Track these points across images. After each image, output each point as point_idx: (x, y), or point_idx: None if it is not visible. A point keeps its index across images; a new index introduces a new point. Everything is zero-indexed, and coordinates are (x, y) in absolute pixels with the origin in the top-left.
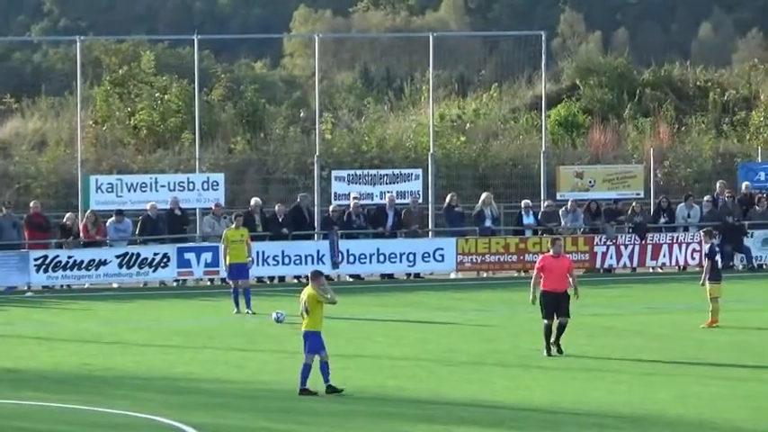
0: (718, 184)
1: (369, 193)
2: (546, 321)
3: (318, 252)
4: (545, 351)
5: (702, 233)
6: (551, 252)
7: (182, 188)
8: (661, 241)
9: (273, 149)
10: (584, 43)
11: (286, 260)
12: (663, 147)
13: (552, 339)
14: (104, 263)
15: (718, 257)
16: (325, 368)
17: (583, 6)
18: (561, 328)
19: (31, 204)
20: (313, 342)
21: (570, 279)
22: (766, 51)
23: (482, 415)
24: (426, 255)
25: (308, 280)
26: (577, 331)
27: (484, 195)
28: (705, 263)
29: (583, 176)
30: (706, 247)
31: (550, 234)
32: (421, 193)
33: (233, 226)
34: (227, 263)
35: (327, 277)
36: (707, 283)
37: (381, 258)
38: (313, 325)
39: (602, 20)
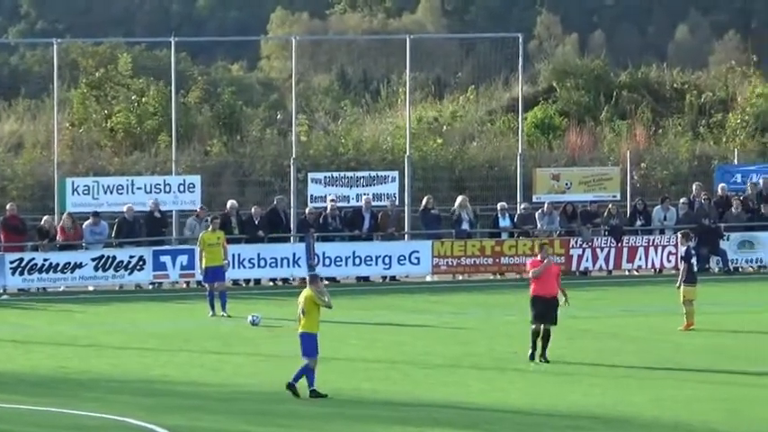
0: (694, 187)
1: (345, 196)
2: (534, 326)
3: (294, 255)
4: (530, 355)
5: (679, 235)
6: (539, 257)
7: (158, 190)
8: (637, 244)
9: (250, 152)
10: (560, 45)
11: (262, 263)
12: (639, 149)
13: (539, 351)
14: (80, 266)
15: (694, 260)
16: (310, 374)
17: (559, 8)
18: (547, 337)
19: (8, 207)
20: (308, 344)
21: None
22: (743, 54)
23: (457, 417)
24: (402, 257)
25: (285, 282)
26: (554, 334)
27: (460, 198)
28: (681, 265)
29: (559, 179)
30: (682, 250)
31: (527, 236)
32: (397, 195)
33: (209, 229)
34: (203, 266)
35: (303, 280)
36: (682, 285)
37: (357, 261)
38: (309, 327)
39: (579, 22)
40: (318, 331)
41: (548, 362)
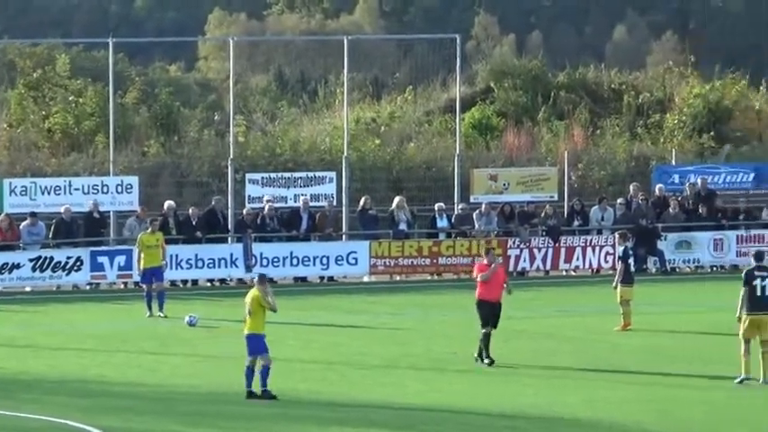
0: (631, 187)
1: (283, 196)
2: (485, 330)
3: (232, 255)
4: (479, 359)
5: (617, 236)
6: (485, 261)
7: (96, 191)
8: (574, 244)
9: (187, 152)
10: (498, 46)
11: (199, 263)
12: (577, 149)
13: (484, 353)
14: (18, 266)
15: (631, 260)
16: (265, 372)
17: (497, 9)
18: (487, 339)
19: None
20: (255, 345)
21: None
22: (680, 54)
23: (394, 418)
24: (340, 258)
25: (222, 283)
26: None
27: (397, 199)
28: (619, 266)
29: (497, 179)
30: (620, 250)
31: (464, 237)
32: (335, 195)
33: (148, 230)
34: (142, 267)
35: (241, 281)
36: (619, 286)
37: (295, 261)
38: (255, 327)
39: (517, 23)
40: (264, 331)
41: (493, 362)
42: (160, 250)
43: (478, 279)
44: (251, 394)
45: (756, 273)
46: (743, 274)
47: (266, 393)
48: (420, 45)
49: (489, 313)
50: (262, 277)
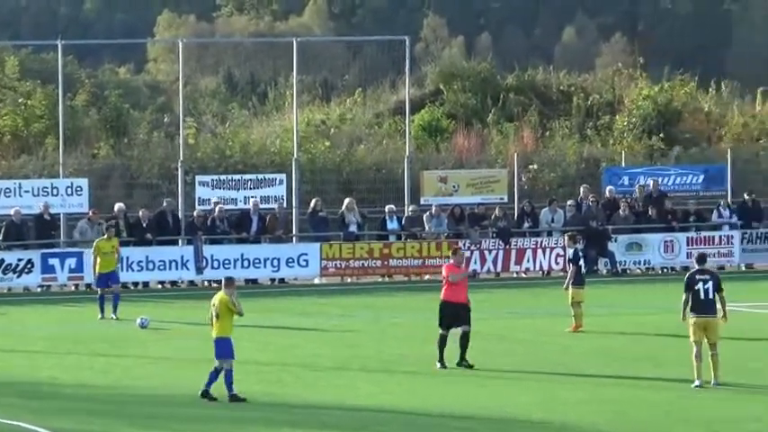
0: (581, 189)
1: (233, 198)
2: (442, 332)
3: (183, 257)
4: (438, 363)
5: (566, 238)
6: (453, 262)
7: (45, 193)
8: (525, 246)
9: (137, 155)
10: (447, 48)
11: (150, 266)
12: (527, 151)
13: (455, 356)
14: None
15: (581, 262)
16: (228, 377)
17: (446, 11)
18: (466, 338)
19: None
20: (222, 348)
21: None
22: (630, 56)
23: (346, 419)
24: (291, 260)
25: (173, 285)
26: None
27: (347, 201)
28: (570, 268)
29: (446, 181)
30: (570, 252)
31: (414, 239)
32: (285, 197)
33: (105, 237)
34: (97, 272)
35: (192, 283)
36: (570, 287)
37: (246, 264)
38: (223, 331)
39: (466, 24)
40: (232, 335)
41: (470, 366)
42: (116, 255)
43: (449, 279)
44: (206, 394)
45: (698, 277)
46: (685, 279)
47: (234, 398)
48: (369, 47)
49: (453, 315)
50: (229, 280)
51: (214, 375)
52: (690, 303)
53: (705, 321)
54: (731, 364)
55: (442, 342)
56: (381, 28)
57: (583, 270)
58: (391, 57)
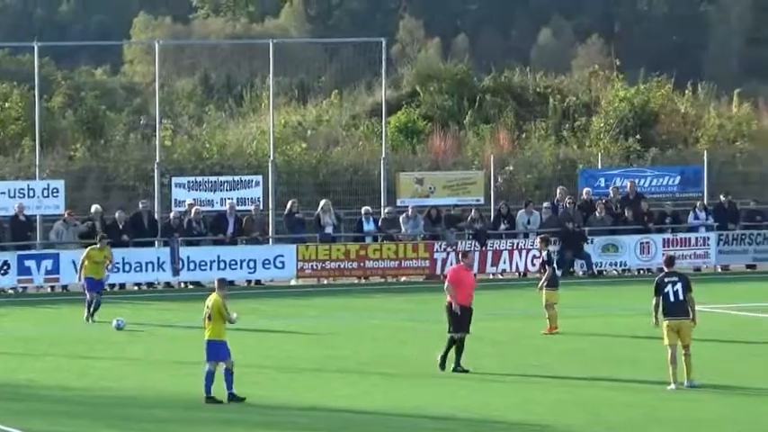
0: (558, 191)
1: (209, 200)
2: (454, 335)
3: (159, 259)
4: (441, 365)
5: (539, 240)
6: (463, 264)
7: (22, 195)
8: (501, 248)
9: (114, 156)
10: (423, 50)
11: (126, 267)
12: (503, 153)
13: (453, 366)
14: None
15: (555, 264)
16: (228, 376)
17: (422, 13)
18: (462, 345)
19: None
20: (217, 351)
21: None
22: (606, 58)
23: (322, 421)
24: (267, 261)
25: (150, 287)
26: (418, 339)
27: (323, 202)
28: (545, 269)
29: (423, 183)
30: (544, 254)
31: (391, 240)
32: (261, 199)
33: (98, 246)
34: (84, 276)
35: (168, 284)
36: (544, 289)
37: (222, 265)
38: (217, 334)
39: (442, 26)
40: (226, 337)
41: (466, 371)
42: (107, 264)
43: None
44: (211, 399)
45: (666, 279)
46: (654, 283)
47: (233, 398)
48: (346, 49)
49: (462, 318)
50: (221, 282)
51: (210, 378)
52: (661, 307)
53: (677, 324)
54: (707, 365)
55: (452, 344)
56: (358, 30)
57: (557, 272)
58: (368, 59)
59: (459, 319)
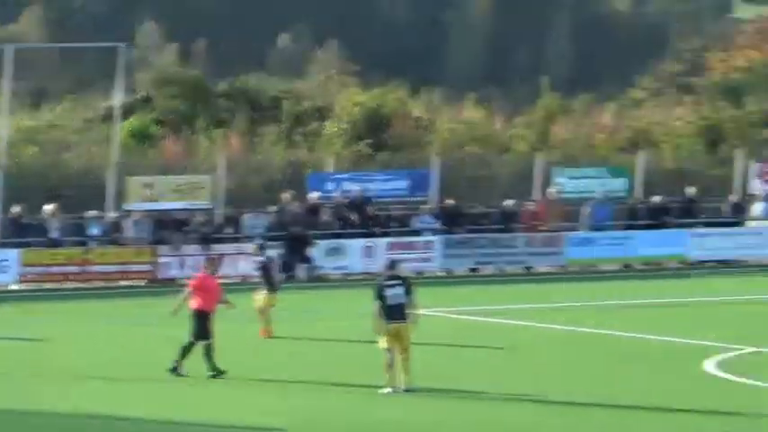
0: (285, 194)
1: None
2: (194, 341)
3: None
4: (176, 367)
5: (253, 247)
6: (208, 271)
7: None
8: (225, 252)
9: None
10: (162, 54)
11: None
12: (234, 157)
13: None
14: None
15: (273, 270)
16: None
17: (162, 17)
18: (208, 350)
19: None
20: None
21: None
22: (346, 62)
23: (43, 429)
24: None
25: None
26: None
27: (49, 207)
28: (264, 274)
29: (152, 187)
30: (259, 259)
31: (116, 245)
32: None
33: None
34: None
35: None
36: (260, 294)
37: None
38: None
39: (183, 30)
40: None
41: (223, 372)
42: None
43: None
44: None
45: (387, 283)
46: (375, 287)
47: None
48: (87, 54)
49: (205, 324)
50: None
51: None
52: (381, 310)
53: (396, 327)
54: (426, 369)
55: (190, 349)
56: (98, 33)
57: (274, 278)
58: (107, 63)
59: (204, 326)
